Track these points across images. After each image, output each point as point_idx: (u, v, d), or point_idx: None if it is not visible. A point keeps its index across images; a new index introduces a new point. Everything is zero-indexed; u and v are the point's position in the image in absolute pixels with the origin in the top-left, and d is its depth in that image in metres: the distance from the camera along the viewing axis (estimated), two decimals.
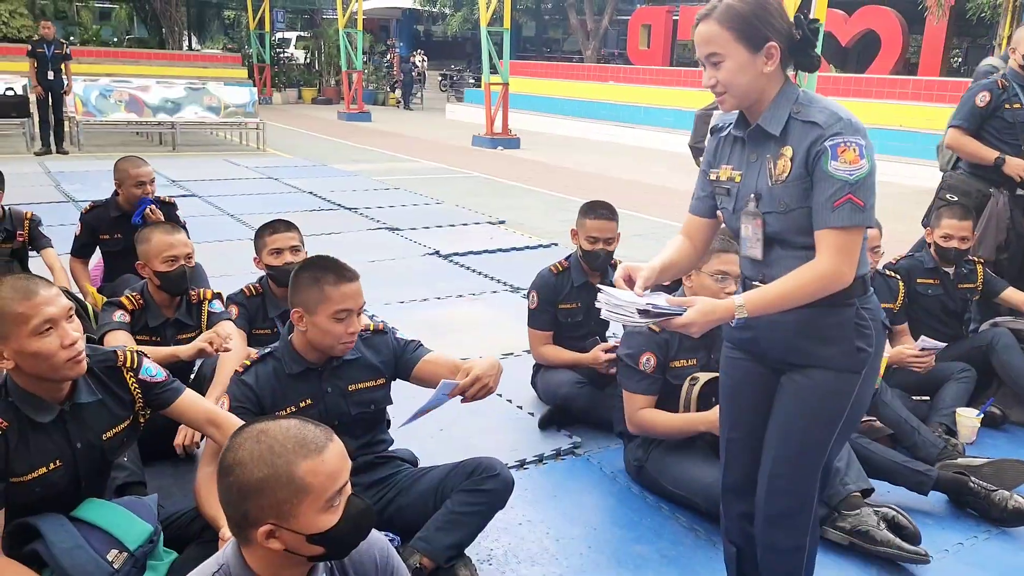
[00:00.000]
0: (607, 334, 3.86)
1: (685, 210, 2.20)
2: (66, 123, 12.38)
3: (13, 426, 2.01)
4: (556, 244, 7.08)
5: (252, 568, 1.45)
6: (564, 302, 3.71)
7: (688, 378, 2.96)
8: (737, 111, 1.98)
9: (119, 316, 3.08)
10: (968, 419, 3.51)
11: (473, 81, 27.23)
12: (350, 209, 8.46)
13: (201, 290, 3.26)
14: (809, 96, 1.89)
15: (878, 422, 3.37)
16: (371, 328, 2.63)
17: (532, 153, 14.40)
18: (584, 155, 14.59)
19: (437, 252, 6.72)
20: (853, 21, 18.32)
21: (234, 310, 3.26)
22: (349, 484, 1.47)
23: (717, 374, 2.31)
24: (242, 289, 3.34)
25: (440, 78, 30.76)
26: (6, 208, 4.34)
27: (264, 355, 2.50)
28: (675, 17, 22.50)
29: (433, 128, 19.04)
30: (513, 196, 9.86)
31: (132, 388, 2.22)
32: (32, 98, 12.12)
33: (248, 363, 2.49)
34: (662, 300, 1.84)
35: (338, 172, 11.28)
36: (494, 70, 14.79)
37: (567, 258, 3.78)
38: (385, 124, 19.41)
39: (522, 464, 3.25)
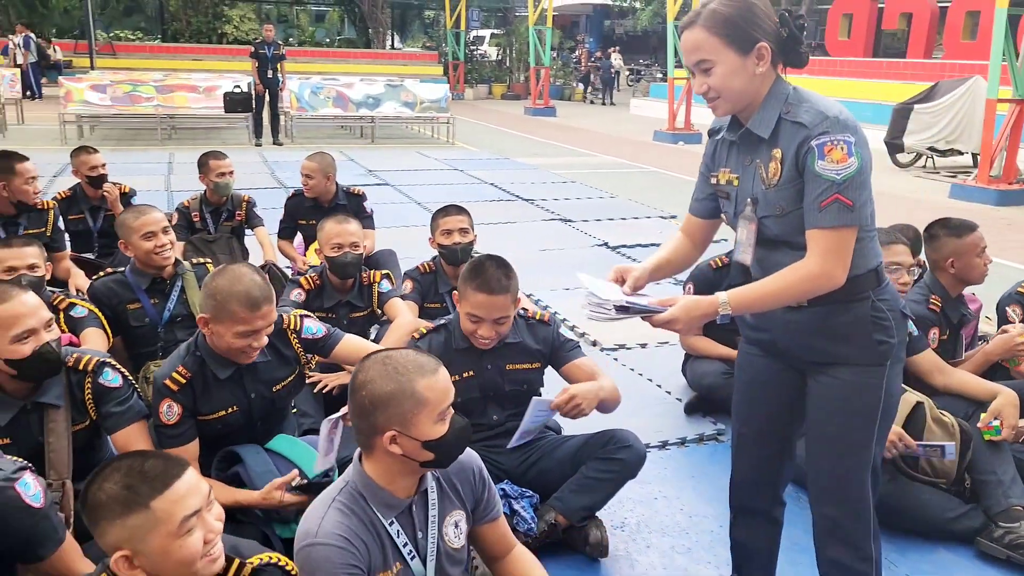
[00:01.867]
0: None
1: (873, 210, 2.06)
2: (281, 117, 13.66)
3: (198, 377, 2.44)
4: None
5: (372, 478, 1.74)
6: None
7: None
8: (726, 115, 1.94)
9: (295, 295, 3.51)
10: None
11: (660, 76, 27.02)
12: (527, 200, 8.83)
13: (372, 272, 3.63)
14: (800, 95, 1.83)
15: None
16: (537, 316, 2.85)
17: None
18: None
19: (606, 244, 6.91)
20: None
21: (408, 284, 3.63)
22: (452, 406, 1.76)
23: None
24: (417, 266, 3.71)
25: (627, 73, 30.77)
26: (234, 192, 5.00)
27: (439, 326, 2.79)
28: (880, 5, 21.19)
29: (616, 123, 19.17)
30: (688, 191, 9.79)
31: (295, 346, 2.63)
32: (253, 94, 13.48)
33: (424, 331, 2.79)
34: (644, 300, 1.85)
35: (519, 165, 11.72)
36: (679, 64, 14.69)
37: (728, 254, 3.85)
38: (569, 119, 19.76)
39: (664, 445, 3.40)
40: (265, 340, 2.44)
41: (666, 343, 4.52)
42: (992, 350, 3.24)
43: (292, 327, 2.62)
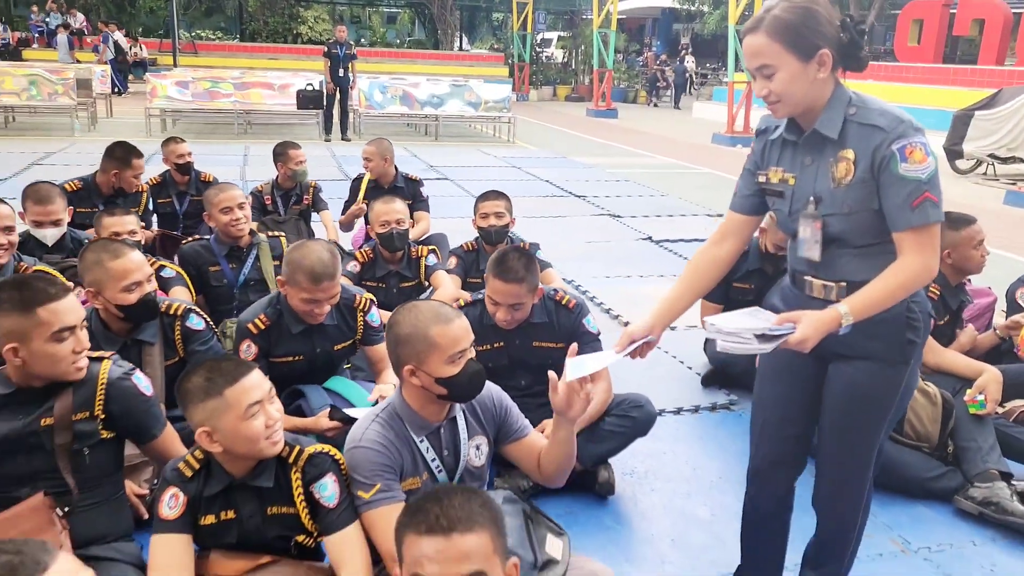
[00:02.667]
0: None
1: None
2: (350, 114, 14.29)
3: (274, 326, 2.91)
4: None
5: (407, 402, 2.14)
6: (739, 282, 4.09)
7: None
8: (785, 118, 1.99)
9: (351, 267, 3.96)
10: None
11: (725, 80, 26.99)
12: (579, 196, 9.18)
13: (420, 247, 4.05)
14: (862, 97, 1.91)
15: None
16: (564, 301, 3.15)
17: None
18: None
19: (650, 238, 7.23)
20: None
21: (453, 260, 4.05)
22: (471, 352, 2.11)
23: None
24: (461, 245, 4.12)
25: (697, 77, 30.79)
26: (301, 176, 5.50)
27: (476, 301, 3.14)
28: (952, 10, 20.85)
29: (677, 126, 19.34)
30: None
31: (359, 323, 3.10)
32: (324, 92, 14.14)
33: (463, 303, 3.17)
34: (769, 321, 1.89)
35: (576, 164, 12.08)
36: (739, 67, 14.83)
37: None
38: (631, 121, 20.00)
39: (679, 411, 3.75)
40: (327, 309, 2.90)
41: (694, 327, 4.84)
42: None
43: (362, 307, 3.09)
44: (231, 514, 1.97)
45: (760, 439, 2.25)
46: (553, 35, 32.75)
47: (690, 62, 26.79)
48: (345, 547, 1.97)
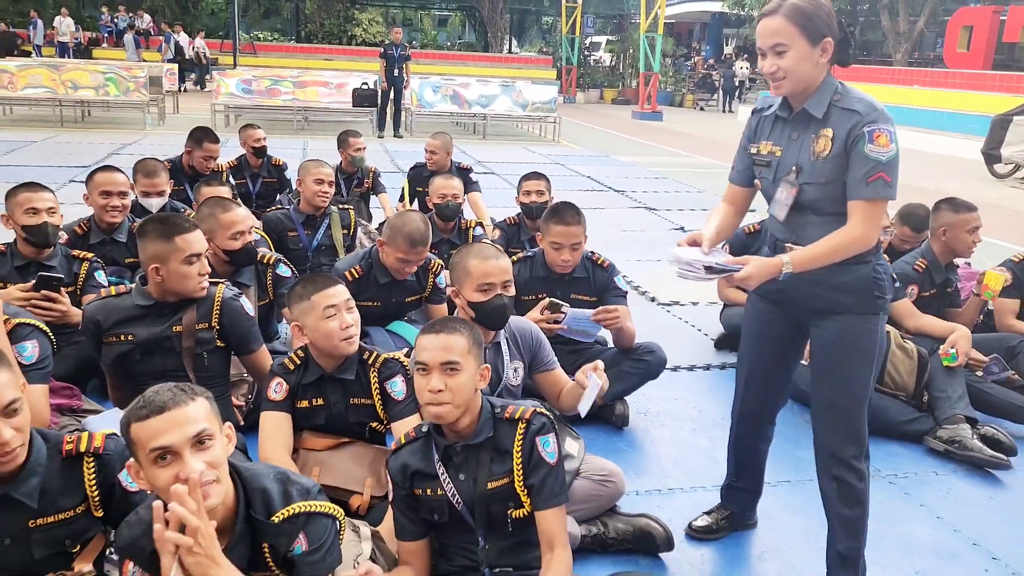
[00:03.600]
0: None
1: None
2: (402, 113, 14.97)
3: (365, 276, 3.53)
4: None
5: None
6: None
7: None
8: (780, 97, 2.26)
9: None
10: None
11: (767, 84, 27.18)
12: (617, 191, 9.68)
13: (469, 220, 4.63)
14: (846, 88, 2.20)
15: (1017, 375, 3.87)
16: (599, 260, 3.69)
17: None
18: None
19: (681, 228, 7.71)
20: None
21: (497, 232, 4.61)
22: (502, 289, 2.63)
23: None
24: (505, 219, 4.68)
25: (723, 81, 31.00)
26: (360, 162, 6.12)
27: (526, 257, 3.69)
28: (1003, 17, 20.84)
29: (720, 128, 19.68)
30: None
31: (429, 283, 3.70)
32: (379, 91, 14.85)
33: (516, 259, 3.69)
34: (723, 258, 2.17)
35: (617, 162, 12.57)
36: None
37: (760, 222, 4.63)
38: (675, 124, 20.40)
39: (692, 368, 4.25)
40: (414, 268, 3.50)
41: (714, 303, 5.32)
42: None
43: (434, 270, 3.69)
44: (321, 401, 2.55)
45: (745, 389, 2.59)
46: (601, 39, 33.21)
47: (742, 67, 27.00)
48: (408, 430, 2.53)
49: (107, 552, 1.94)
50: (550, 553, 2.09)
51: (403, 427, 2.55)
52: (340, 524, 1.82)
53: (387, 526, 2.27)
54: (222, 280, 2.90)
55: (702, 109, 26.89)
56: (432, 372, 2.07)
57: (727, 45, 37.12)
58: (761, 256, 2.25)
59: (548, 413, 2.19)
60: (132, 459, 1.67)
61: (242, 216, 3.32)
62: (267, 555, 1.73)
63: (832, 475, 2.34)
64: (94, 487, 1.87)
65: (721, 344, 4.54)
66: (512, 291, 2.72)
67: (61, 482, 1.85)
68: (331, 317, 2.49)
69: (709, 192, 9.94)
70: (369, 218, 6.10)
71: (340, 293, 2.53)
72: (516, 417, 2.14)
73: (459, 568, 2.19)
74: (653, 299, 5.43)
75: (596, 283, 3.68)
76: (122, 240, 3.97)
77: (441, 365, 2.06)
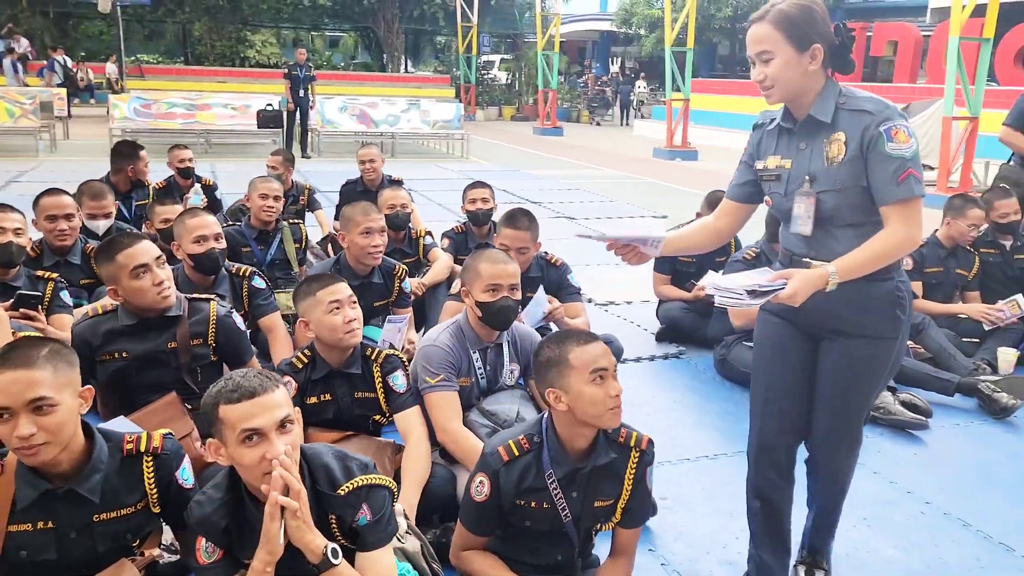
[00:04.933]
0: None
1: None
2: (309, 133, 14.92)
3: None
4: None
5: (468, 321, 2.88)
6: (684, 256, 4.93)
7: None
8: (781, 107, 2.19)
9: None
10: (1007, 354, 4.36)
11: (662, 99, 28.39)
12: (535, 203, 10.00)
13: (420, 228, 4.80)
14: (850, 90, 2.12)
15: (921, 348, 4.34)
16: (553, 260, 3.98)
17: (708, 165, 15.37)
18: None
19: (602, 235, 8.06)
20: None
21: (446, 241, 4.79)
22: (509, 292, 2.82)
23: None
24: (452, 227, 4.87)
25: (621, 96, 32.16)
26: (294, 180, 6.19)
27: None
28: (869, 33, 22.47)
29: (619, 142, 20.42)
30: (680, 198, 11.01)
31: (395, 288, 3.85)
32: (284, 112, 14.75)
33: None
34: (763, 277, 2.03)
35: (529, 176, 12.92)
36: (677, 87, 15.93)
37: (689, 222, 4.98)
38: (575, 138, 21.02)
39: (639, 359, 4.55)
40: (381, 243, 3.65)
41: (648, 301, 5.66)
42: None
43: (399, 275, 3.86)
44: (329, 396, 2.69)
45: (765, 414, 2.36)
46: (495, 57, 33.78)
47: (641, 85, 28.21)
48: (410, 420, 2.70)
49: (160, 546, 2.03)
50: (620, 558, 2.27)
51: (404, 418, 2.71)
52: (394, 495, 1.98)
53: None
54: (212, 297, 2.97)
55: (598, 124, 27.73)
56: (609, 377, 2.10)
57: (613, 63, 38.48)
58: (742, 272, 2.16)
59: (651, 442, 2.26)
60: (212, 438, 1.79)
61: (208, 222, 3.40)
62: (334, 526, 1.87)
63: (825, 469, 2.38)
64: (152, 484, 1.97)
65: (661, 337, 4.87)
66: (518, 295, 2.92)
67: (122, 479, 1.94)
68: (335, 311, 2.64)
69: (621, 201, 10.39)
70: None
71: (343, 290, 2.69)
72: (632, 444, 2.21)
73: (539, 566, 2.25)
74: (590, 300, 5.72)
75: (550, 282, 3.92)
76: (76, 262, 3.96)
77: (614, 367, 2.12)
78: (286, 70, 14.59)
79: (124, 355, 2.76)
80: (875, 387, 2.26)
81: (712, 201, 4.76)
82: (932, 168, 12.78)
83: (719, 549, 2.75)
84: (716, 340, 4.35)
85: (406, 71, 32.80)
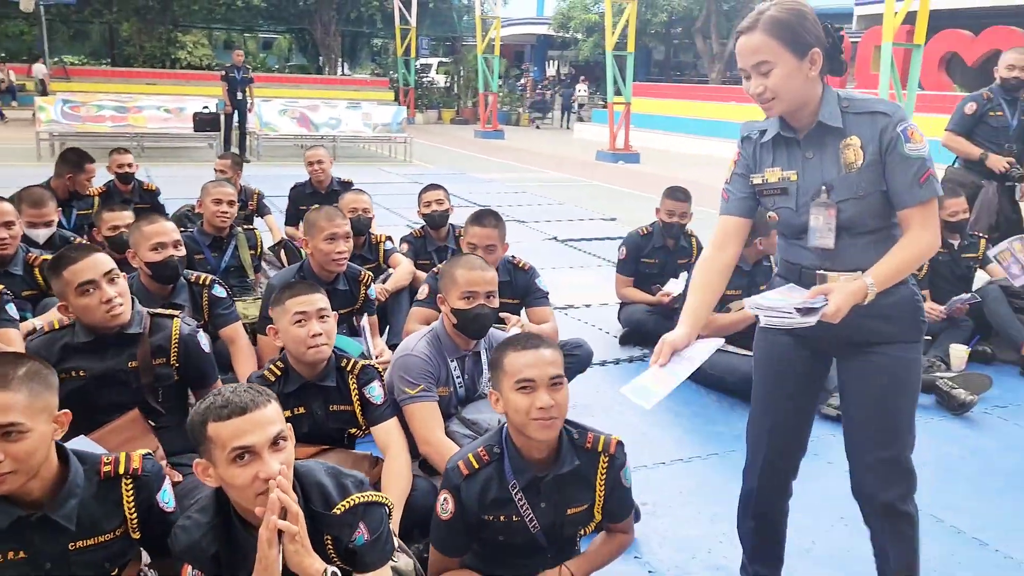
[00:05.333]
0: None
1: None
2: (248, 137, 14.59)
3: None
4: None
5: (445, 328, 2.81)
6: (646, 257, 4.95)
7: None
8: (772, 118, 2.06)
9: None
10: (958, 350, 4.48)
11: (601, 103, 28.71)
12: (483, 206, 9.91)
13: (379, 234, 4.71)
14: (847, 92, 2.04)
15: None
16: (520, 264, 3.93)
17: (650, 167, 15.54)
18: (700, 169, 15.56)
19: (555, 238, 8.09)
20: (979, 41, 18.47)
21: (404, 246, 4.71)
22: (486, 300, 2.76)
23: None
24: (411, 232, 4.79)
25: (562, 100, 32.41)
26: (242, 185, 6.00)
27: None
28: None
29: (561, 145, 20.52)
30: (626, 200, 11.11)
31: (361, 294, 3.74)
32: (222, 115, 14.40)
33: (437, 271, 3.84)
34: (799, 295, 1.96)
35: (475, 179, 12.86)
36: (618, 91, 16.08)
37: (651, 225, 5.00)
38: (517, 141, 21.04)
39: (603, 363, 4.53)
40: (346, 249, 3.53)
41: (607, 304, 5.66)
42: None
43: (364, 281, 3.74)
44: (302, 409, 2.58)
45: (770, 438, 2.26)
46: (433, 61, 33.63)
47: (582, 88, 28.50)
48: (389, 434, 2.61)
49: (140, 573, 1.91)
50: (615, 535, 2.27)
51: (382, 431, 2.62)
52: (390, 511, 1.90)
53: None
54: (177, 313, 2.81)
55: (538, 127, 27.85)
56: (539, 389, 2.00)
57: (550, 66, 38.77)
58: (776, 288, 2.08)
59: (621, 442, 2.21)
60: (200, 458, 1.68)
61: (166, 228, 3.24)
62: (330, 547, 1.78)
63: (878, 521, 2.20)
64: (132, 509, 1.84)
65: (624, 340, 4.87)
66: (495, 303, 2.85)
67: (100, 504, 1.81)
68: (300, 323, 2.54)
69: (569, 204, 10.41)
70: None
71: (314, 301, 2.57)
72: (600, 449, 2.14)
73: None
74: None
75: (518, 285, 3.88)
76: (18, 272, 3.73)
77: (550, 379, 2.01)
78: (223, 72, 14.25)
79: (82, 374, 2.58)
80: (916, 394, 2.12)
81: (670, 193, 4.82)
82: None
83: (704, 554, 2.74)
84: None
85: (343, 74, 32.40)
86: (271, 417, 1.70)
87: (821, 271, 2.05)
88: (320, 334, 2.55)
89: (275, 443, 1.69)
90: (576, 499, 2.14)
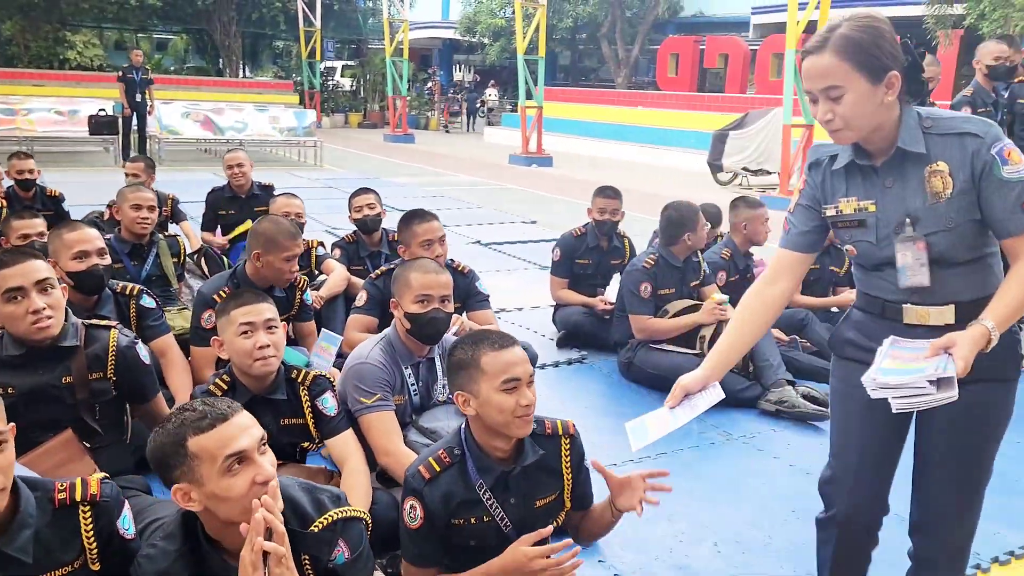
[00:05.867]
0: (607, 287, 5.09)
1: None
2: (148, 141, 13.97)
3: None
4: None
5: (399, 335, 2.72)
6: (580, 258, 4.96)
7: (677, 309, 4.21)
8: (847, 144, 1.88)
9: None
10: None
11: (509, 107, 28.84)
12: (402, 210, 9.78)
13: (312, 240, 4.56)
14: (928, 111, 1.85)
15: (807, 342, 4.56)
16: (459, 267, 3.88)
17: (563, 170, 15.69)
18: (611, 172, 15.81)
19: (479, 241, 8.03)
20: None
21: (337, 251, 4.57)
22: (440, 304, 2.68)
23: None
24: (343, 236, 4.66)
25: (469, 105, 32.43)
26: (155, 189, 5.71)
27: (390, 269, 3.72)
28: (701, 47, 23.80)
29: (472, 149, 20.49)
30: (544, 203, 11.16)
31: (296, 300, 3.64)
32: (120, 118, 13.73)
33: (381, 272, 3.74)
34: (921, 355, 1.71)
35: (390, 183, 12.66)
36: (529, 95, 16.16)
37: (584, 226, 5.01)
38: (428, 145, 20.89)
39: (543, 366, 4.50)
40: (295, 268, 3.42)
41: (538, 307, 5.65)
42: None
43: (300, 286, 3.62)
44: None
45: (849, 484, 2.06)
46: (336, 64, 33.03)
47: (492, 92, 28.55)
48: (346, 446, 2.50)
49: None
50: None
51: (338, 443, 2.52)
52: (369, 526, 1.81)
53: None
54: (114, 323, 2.63)
55: (447, 131, 27.73)
56: (523, 386, 2.00)
57: (458, 71, 38.74)
58: (886, 350, 1.78)
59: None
60: (181, 483, 1.56)
61: (88, 236, 3.03)
62: (308, 568, 1.68)
63: (942, 556, 2.02)
64: (91, 538, 1.69)
65: (562, 343, 4.86)
66: (451, 307, 2.77)
67: (56, 534, 1.66)
68: (246, 335, 2.41)
69: (488, 207, 10.38)
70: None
71: (261, 312, 2.45)
72: (560, 433, 2.18)
73: None
74: None
75: (459, 289, 3.80)
76: None
77: (530, 376, 2.04)
78: (120, 73, 13.60)
79: (10, 391, 2.38)
80: (998, 441, 1.93)
81: (600, 191, 4.83)
82: (769, 172, 13.69)
83: (667, 554, 2.75)
84: (620, 344, 4.38)
85: (243, 76, 31.44)
86: (250, 421, 1.64)
87: (908, 304, 1.87)
88: (268, 345, 2.43)
89: (260, 447, 1.61)
90: (544, 489, 2.15)
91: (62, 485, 1.70)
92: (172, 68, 34.57)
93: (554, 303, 5.08)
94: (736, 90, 21.72)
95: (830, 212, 1.95)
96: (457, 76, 38.14)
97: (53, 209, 5.67)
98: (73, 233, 3.01)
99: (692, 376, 1.97)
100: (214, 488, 1.56)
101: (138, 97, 13.36)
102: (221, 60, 29.28)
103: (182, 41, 37.55)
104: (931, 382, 1.63)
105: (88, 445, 2.44)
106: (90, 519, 1.69)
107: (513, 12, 28.98)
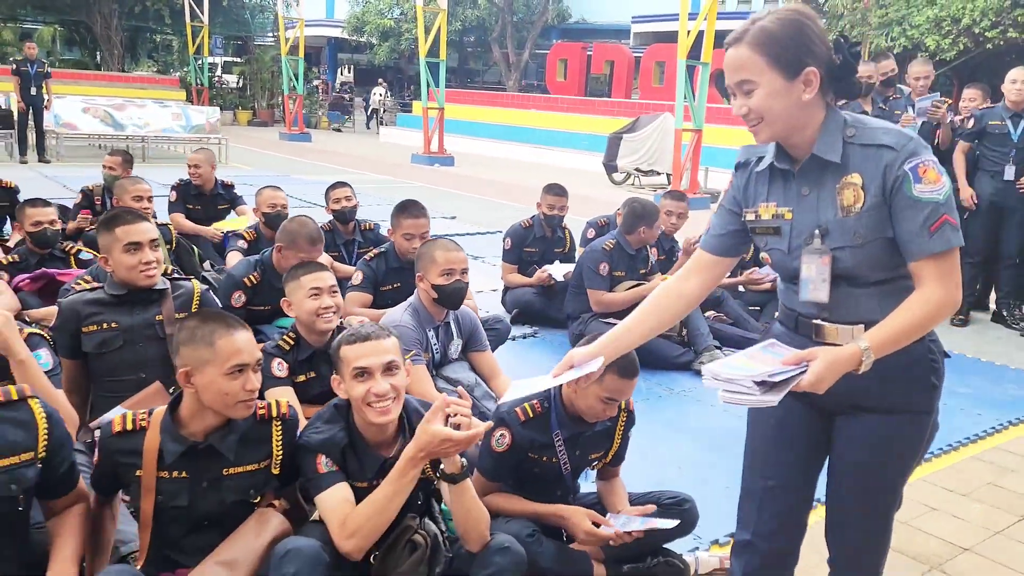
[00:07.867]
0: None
1: (583, 212, 3.24)
2: (46, 136, 13.60)
3: (263, 282, 3.87)
4: (500, 231, 8.95)
5: (422, 300, 3.25)
6: (528, 247, 5.60)
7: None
8: (771, 143, 1.81)
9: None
10: None
11: (398, 107, 29.25)
12: (320, 206, 10.12)
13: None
14: (857, 118, 1.74)
15: (724, 315, 5.35)
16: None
17: (465, 169, 16.28)
18: (509, 172, 16.57)
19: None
20: None
21: None
22: (463, 275, 3.24)
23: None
24: (321, 224, 5.07)
25: (364, 103, 32.52)
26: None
27: (379, 252, 4.25)
28: (588, 52, 24.94)
29: (370, 148, 20.78)
30: (454, 201, 11.73)
31: None
32: (15, 112, 13.32)
33: (372, 255, 4.22)
34: (776, 360, 1.67)
35: (300, 181, 12.91)
36: (432, 96, 16.68)
37: (531, 218, 5.65)
38: (325, 144, 21.03)
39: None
40: (330, 302, 3.74)
41: (481, 291, 6.22)
42: None
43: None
44: (313, 374, 2.94)
45: (761, 505, 1.98)
46: (218, 60, 32.32)
47: (379, 91, 28.72)
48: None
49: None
50: (614, 480, 2.76)
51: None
52: None
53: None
54: (192, 277, 3.13)
55: (338, 130, 27.78)
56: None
57: (342, 70, 38.64)
58: (755, 346, 1.79)
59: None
60: (335, 374, 2.18)
61: (45, 213, 3.97)
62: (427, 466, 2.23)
63: None
64: (279, 447, 2.19)
65: (515, 320, 5.46)
66: (468, 278, 3.32)
67: (254, 439, 2.17)
68: (314, 297, 2.92)
69: None
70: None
71: (326, 279, 2.95)
72: (622, 408, 2.60)
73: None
74: None
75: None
76: None
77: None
78: (14, 66, 13.19)
79: (114, 325, 2.84)
80: (906, 474, 1.88)
81: (632, 212, 5.03)
82: (659, 173, 14.75)
83: (642, 475, 3.38)
84: (572, 316, 5.03)
85: (122, 70, 30.34)
86: (388, 348, 2.17)
87: (818, 321, 1.80)
88: (331, 306, 2.93)
89: (388, 369, 2.16)
90: (600, 447, 2.66)
91: (262, 404, 2.20)
92: (49, 60, 32.85)
93: (503, 286, 5.68)
94: (621, 95, 22.92)
95: (750, 216, 1.89)
96: (342, 76, 38.04)
97: (7, 200, 5.79)
98: (33, 209, 3.98)
99: (582, 351, 2.00)
100: (347, 386, 2.15)
101: (33, 91, 13.00)
102: (100, 53, 28.19)
103: (48, 31, 35.67)
104: (757, 383, 1.60)
105: (171, 391, 2.86)
106: (280, 432, 2.20)
107: (401, 13, 29.59)
